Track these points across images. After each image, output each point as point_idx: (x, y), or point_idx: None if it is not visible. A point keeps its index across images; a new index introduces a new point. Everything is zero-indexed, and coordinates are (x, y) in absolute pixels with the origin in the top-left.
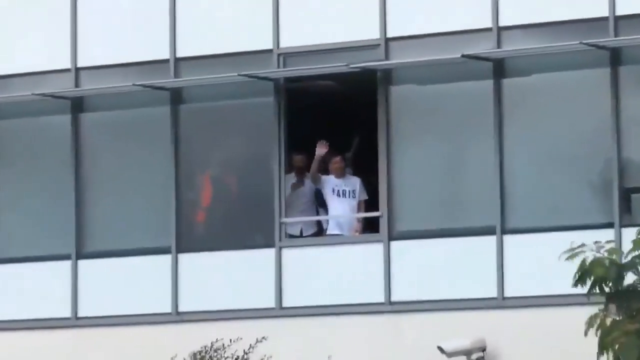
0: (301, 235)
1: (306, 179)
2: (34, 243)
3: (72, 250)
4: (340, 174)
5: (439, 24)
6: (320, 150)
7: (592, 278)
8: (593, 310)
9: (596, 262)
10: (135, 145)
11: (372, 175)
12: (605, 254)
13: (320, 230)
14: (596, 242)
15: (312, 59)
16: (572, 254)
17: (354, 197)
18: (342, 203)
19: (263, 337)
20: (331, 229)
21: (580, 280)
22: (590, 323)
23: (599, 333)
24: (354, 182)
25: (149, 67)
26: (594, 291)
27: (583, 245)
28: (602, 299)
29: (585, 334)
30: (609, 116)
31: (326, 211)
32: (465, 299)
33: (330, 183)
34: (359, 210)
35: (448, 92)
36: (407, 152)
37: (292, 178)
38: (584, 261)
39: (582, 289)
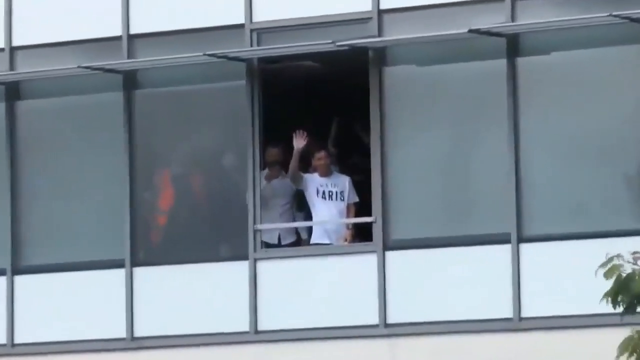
0: (279, 245)
1: (283, 177)
2: None
3: (7, 264)
4: (326, 172)
5: None
6: (298, 143)
7: (629, 294)
8: (626, 332)
9: (635, 275)
10: (81, 139)
11: (359, 173)
12: None
13: (300, 239)
14: (634, 253)
15: (291, 35)
16: (610, 267)
17: (342, 199)
18: (328, 206)
19: None
20: (316, 237)
21: (615, 298)
22: (624, 347)
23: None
24: (343, 182)
25: (97, 46)
26: (633, 310)
27: (619, 256)
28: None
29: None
30: None
31: (306, 216)
32: (475, 320)
33: (314, 182)
34: (348, 214)
35: (453, 74)
36: (404, 145)
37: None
38: (619, 275)
39: (617, 309)
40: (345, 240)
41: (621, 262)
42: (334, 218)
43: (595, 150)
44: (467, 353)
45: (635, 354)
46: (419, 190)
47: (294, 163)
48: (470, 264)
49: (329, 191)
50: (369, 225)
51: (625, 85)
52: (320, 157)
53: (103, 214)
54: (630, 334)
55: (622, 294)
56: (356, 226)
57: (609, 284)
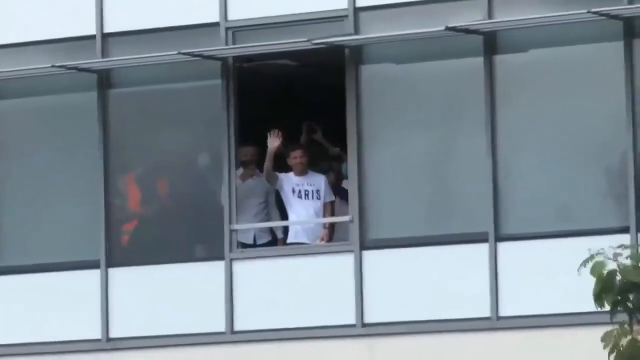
0: (255, 245)
1: (257, 175)
2: None
3: None
4: (302, 171)
5: None
6: (273, 142)
7: (614, 291)
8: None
9: (623, 269)
10: (55, 139)
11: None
12: (628, 262)
13: (275, 239)
14: (618, 247)
15: (267, 34)
16: (594, 264)
17: (318, 198)
18: (304, 205)
19: None
20: (293, 237)
21: (602, 297)
22: (606, 339)
23: (612, 357)
24: (319, 181)
25: (71, 45)
26: (620, 305)
27: (601, 252)
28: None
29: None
30: (623, 99)
31: (281, 215)
32: (453, 320)
33: (290, 182)
34: (324, 213)
35: (430, 72)
36: (381, 144)
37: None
38: (600, 273)
39: (604, 308)
40: (322, 239)
41: (603, 258)
42: (310, 217)
43: (574, 148)
44: (445, 352)
45: (616, 351)
46: (396, 189)
47: (268, 163)
48: (448, 263)
49: (305, 190)
50: (345, 225)
51: (604, 83)
52: (295, 156)
53: (77, 215)
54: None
55: (606, 293)
56: (333, 226)
57: (588, 282)
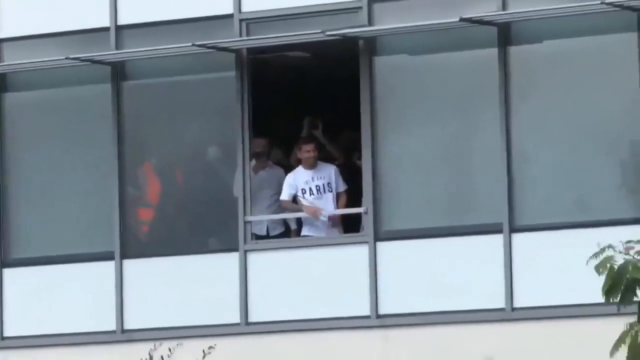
0: (268, 236)
1: (269, 167)
2: None
3: None
4: (312, 165)
5: None
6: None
7: (623, 285)
8: (619, 322)
9: (628, 265)
10: (69, 131)
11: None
12: (638, 257)
13: (288, 230)
14: (628, 242)
15: (281, 25)
16: (602, 260)
17: (330, 190)
18: (317, 201)
19: None
20: (306, 231)
21: (611, 292)
22: (621, 340)
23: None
24: (329, 172)
25: (85, 37)
26: (629, 299)
27: (611, 246)
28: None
29: (611, 354)
30: (637, 90)
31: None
32: (467, 311)
33: (300, 177)
34: (338, 203)
35: (444, 64)
36: (395, 135)
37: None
38: (612, 268)
39: (613, 301)
40: (334, 226)
41: (612, 253)
42: (326, 210)
43: (588, 139)
44: (459, 344)
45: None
46: (410, 181)
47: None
48: (462, 254)
49: (316, 186)
50: (359, 216)
51: (618, 74)
52: (308, 150)
53: (92, 206)
54: (625, 329)
55: (617, 288)
56: (344, 217)
57: (602, 274)
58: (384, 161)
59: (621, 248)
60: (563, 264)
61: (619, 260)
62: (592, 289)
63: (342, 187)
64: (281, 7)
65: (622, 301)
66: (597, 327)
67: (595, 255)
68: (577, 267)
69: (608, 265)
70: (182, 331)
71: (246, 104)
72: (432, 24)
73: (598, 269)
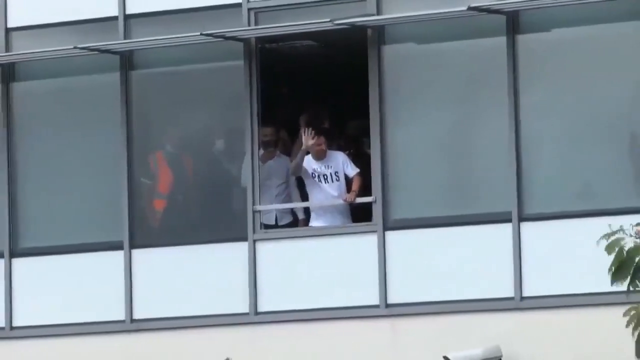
0: (276, 225)
1: (278, 156)
2: None
3: (5, 247)
4: (321, 156)
5: None
6: (307, 142)
7: (631, 268)
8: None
9: (638, 249)
10: (78, 121)
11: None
12: None
13: (296, 219)
14: (637, 225)
15: (289, 15)
16: (611, 242)
17: (337, 179)
18: (323, 191)
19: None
20: (314, 221)
21: (618, 273)
22: (629, 318)
23: (636, 334)
24: (337, 161)
25: (93, 26)
26: (637, 283)
27: (621, 230)
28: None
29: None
30: None
31: (301, 196)
32: (476, 300)
33: (308, 165)
34: (353, 185)
35: (452, 52)
36: (403, 124)
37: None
38: (621, 250)
39: (621, 286)
40: (346, 200)
41: (623, 235)
42: (334, 199)
43: (597, 127)
44: (468, 333)
45: (636, 328)
46: (419, 170)
47: (298, 160)
48: (471, 243)
49: (324, 174)
50: (369, 205)
51: (627, 62)
52: (318, 143)
53: (101, 196)
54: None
55: (625, 270)
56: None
57: (610, 262)
58: (392, 150)
59: (632, 231)
60: (572, 252)
61: (630, 243)
62: (601, 278)
63: (353, 171)
64: None
65: (630, 284)
66: (606, 315)
67: (605, 236)
68: (586, 255)
69: (617, 248)
70: (191, 321)
71: (254, 93)
72: (440, 12)
73: (608, 249)
